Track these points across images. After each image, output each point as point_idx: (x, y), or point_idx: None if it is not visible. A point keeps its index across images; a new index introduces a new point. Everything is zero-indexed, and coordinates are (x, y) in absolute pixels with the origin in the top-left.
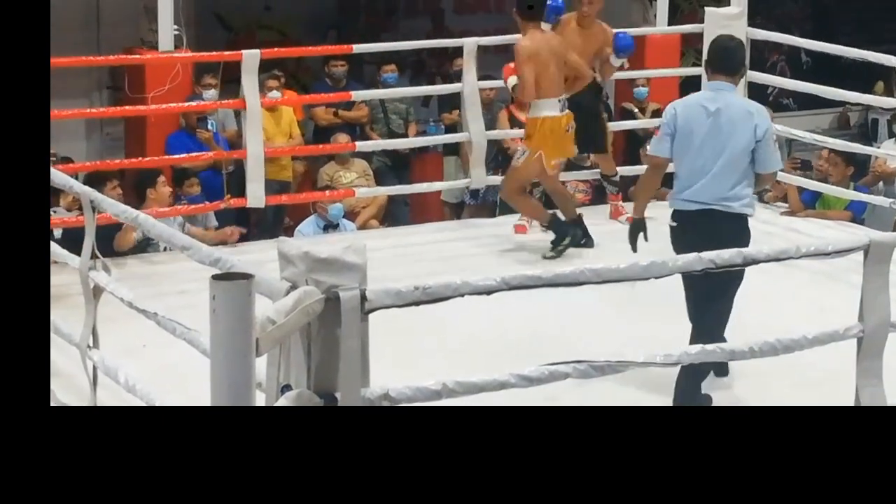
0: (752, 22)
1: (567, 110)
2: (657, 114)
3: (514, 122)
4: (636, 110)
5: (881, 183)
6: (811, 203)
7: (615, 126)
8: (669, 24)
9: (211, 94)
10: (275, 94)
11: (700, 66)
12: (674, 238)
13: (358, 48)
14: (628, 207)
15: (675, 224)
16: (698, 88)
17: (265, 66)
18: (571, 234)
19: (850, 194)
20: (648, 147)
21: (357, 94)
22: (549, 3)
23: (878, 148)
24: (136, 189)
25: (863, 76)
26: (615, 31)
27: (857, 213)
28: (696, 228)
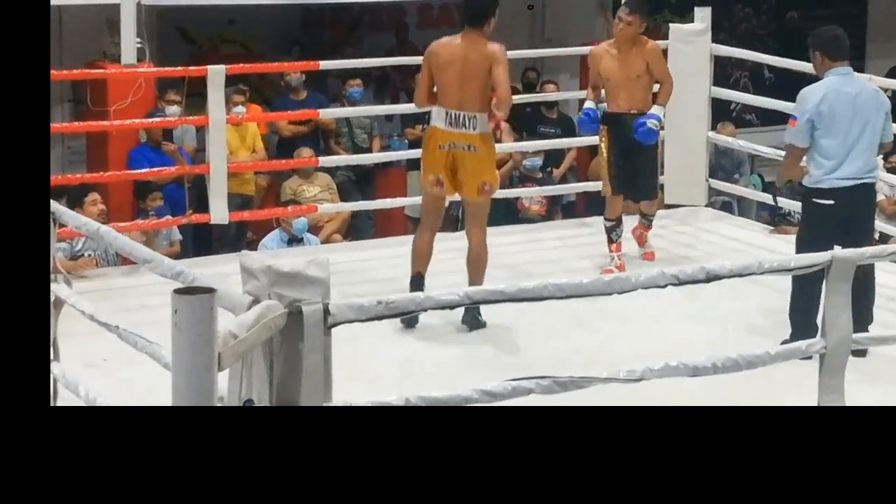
0: (716, 38)
1: (464, 130)
2: None
3: None
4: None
5: None
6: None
7: (578, 142)
8: None
9: (173, 109)
10: (240, 108)
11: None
12: (824, 216)
13: (325, 65)
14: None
15: (830, 202)
16: None
17: (228, 80)
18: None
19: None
20: (785, 138)
21: (325, 112)
22: (583, 118)
23: None
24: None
25: None
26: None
27: None
28: (854, 201)
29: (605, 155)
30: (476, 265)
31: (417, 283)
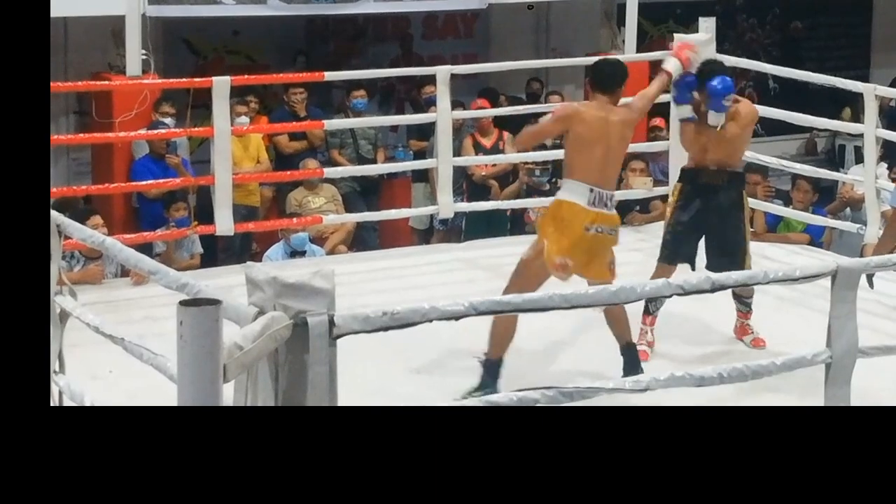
0: (721, 48)
1: (606, 210)
2: None
3: (479, 149)
4: None
5: (848, 209)
6: (773, 226)
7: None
8: (637, 50)
9: (168, 121)
10: (243, 119)
11: (668, 91)
12: None
13: (330, 76)
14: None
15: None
16: (666, 114)
17: (234, 91)
18: (486, 392)
19: (815, 219)
20: None
21: (330, 124)
22: (716, 85)
23: (846, 174)
24: None
25: (830, 102)
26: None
27: (816, 237)
28: None
29: (669, 213)
30: (619, 321)
31: (497, 370)
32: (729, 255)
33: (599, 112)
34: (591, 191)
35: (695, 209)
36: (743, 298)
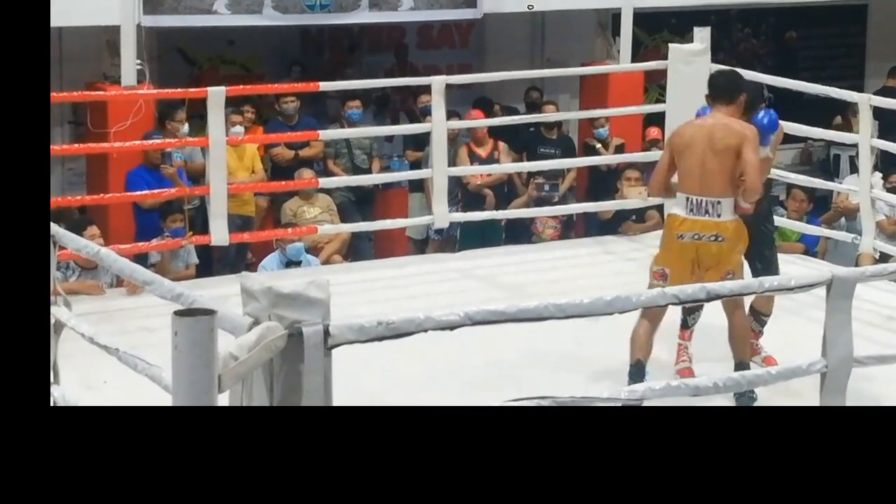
0: (716, 58)
1: (706, 217)
2: (620, 149)
3: (474, 158)
4: (598, 146)
5: (843, 218)
6: None
7: (579, 162)
8: (633, 60)
9: (185, 129)
10: (238, 129)
11: (664, 101)
12: None
13: (324, 86)
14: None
15: None
16: (662, 124)
17: (229, 101)
18: None
19: (809, 228)
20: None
21: (324, 134)
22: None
23: (840, 183)
24: None
25: (825, 112)
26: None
27: (810, 247)
28: None
29: None
30: (741, 342)
31: (638, 372)
32: (764, 260)
33: (698, 121)
34: (688, 199)
35: None
36: (761, 317)
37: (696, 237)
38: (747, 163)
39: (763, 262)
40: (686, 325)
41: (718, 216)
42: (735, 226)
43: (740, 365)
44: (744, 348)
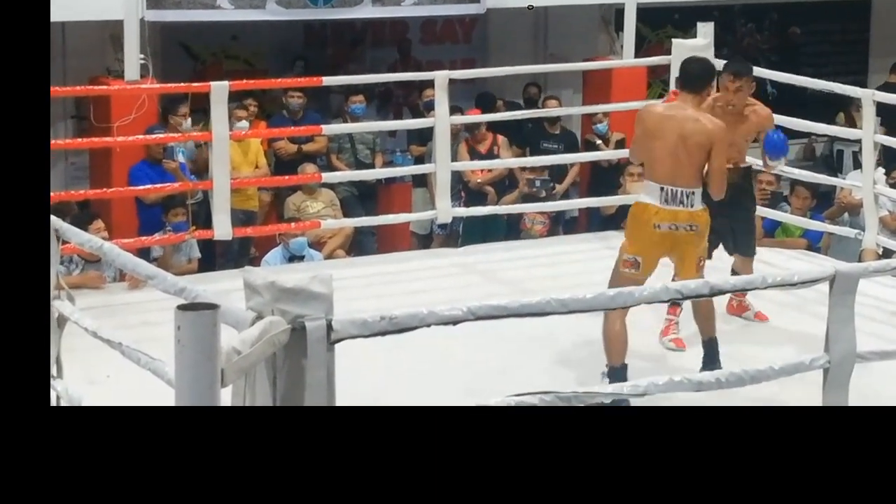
0: (719, 53)
1: (682, 207)
2: (621, 144)
3: (475, 154)
4: (599, 142)
5: (846, 214)
6: (771, 231)
7: (580, 157)
8: (636, 55)
9: (188, 123)
10: (243, 123)
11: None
12: None
13: (328, 80)
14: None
15: None
16: None
17: (232, 96)
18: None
19: (813, 224)
20: None
21: (328, 128)
22: (776, 141)
23: (844, 179)
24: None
25: (828, 108)
26: (770, 128)
27: (814, 242)
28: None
29: None
30: (706, 319)
31: (622, 373)
32: (741, 242)
33: (668, 111)
34: (662, 189)
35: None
36: None
37: (672, 227)
38: (713, 169)
39: (744, 236)
40: (676, 303)
41: (692, 206)
42: (706, 215)
43: (709, 342)
44: (710, 325)
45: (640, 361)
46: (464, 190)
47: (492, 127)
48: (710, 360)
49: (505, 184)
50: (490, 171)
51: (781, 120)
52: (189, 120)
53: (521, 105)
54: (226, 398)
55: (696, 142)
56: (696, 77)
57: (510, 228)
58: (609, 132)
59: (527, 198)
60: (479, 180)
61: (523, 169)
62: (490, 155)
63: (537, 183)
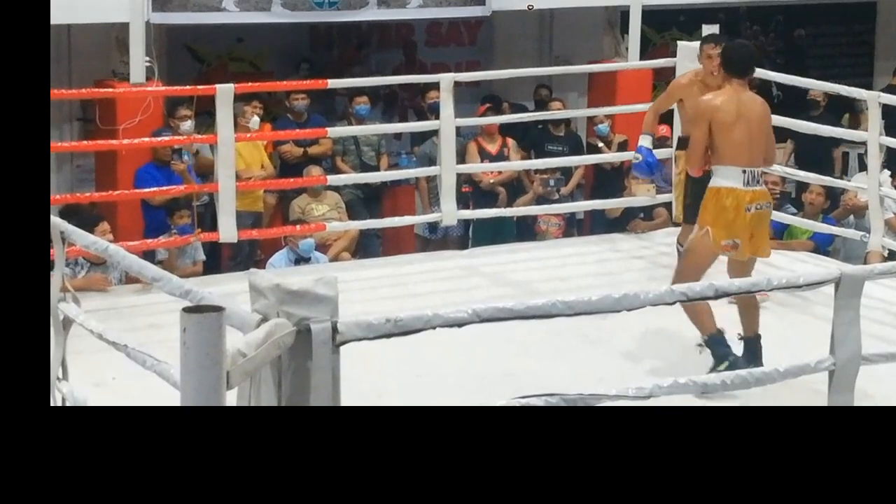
0: None
1: (759, 186)
2: (624, 146)
3: (484, 155)
4: (601, 144)
5: (852, 216)
6: (779, 233)
7: (584, 160)
8: (641, 57)
9: (188, 125)
10: (255, 119)
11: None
12: None
13: (333, 83)
14: None
15: None
16: (670, 121)
17: (238, 98)
18: (730, 360)
19: (819, 226)
20: None
21: (333, 131)
22: (646, 159)
23: (850, 181)
24: None
25: (833, 110)
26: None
27: (823, 245)
28: None
29: (681, 182)
30: (750, 313)
31: (721, 338)
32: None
33: (734, 96)
34: (745, 172)
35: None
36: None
37: (758, 207)
38: (772, 138)
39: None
40: None
41: (764, 185)
42: (768, 191)
43: (751, 339)
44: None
45: (657, 362)
46: (473, 190)
47: (500, 129)
48: (752, 356)
49: (513, 185)
50: (500, 172)
51: (787, 122)
52: (189, 122)
53: (526, 107)
54: (231, 400)
55: (767, 122)
56: (743, 61)
57: (522, 231)
58: (611, 134)
59: (540, 198)
60: (491, 181)
61: (538, 172)
62: (500, 157)
63: (552, 182)
